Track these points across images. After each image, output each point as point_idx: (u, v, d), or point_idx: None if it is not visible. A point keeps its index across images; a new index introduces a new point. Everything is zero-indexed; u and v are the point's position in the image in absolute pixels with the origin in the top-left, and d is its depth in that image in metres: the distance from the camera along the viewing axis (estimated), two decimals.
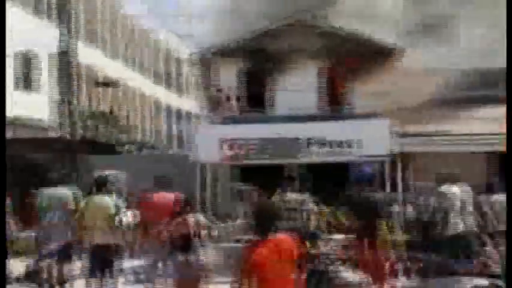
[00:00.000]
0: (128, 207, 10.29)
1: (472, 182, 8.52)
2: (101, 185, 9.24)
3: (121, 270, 9.65)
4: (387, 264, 6.78)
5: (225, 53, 19.25)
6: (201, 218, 8.03)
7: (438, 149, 15.30)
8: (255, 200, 14.68)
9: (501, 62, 15.75)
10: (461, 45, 17.06)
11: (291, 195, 8.54)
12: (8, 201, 9.37)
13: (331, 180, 14.12)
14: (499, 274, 6.78)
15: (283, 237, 4.49)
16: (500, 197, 7.91)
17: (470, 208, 7.97)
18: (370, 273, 6.82)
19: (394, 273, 6.63)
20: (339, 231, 9.06)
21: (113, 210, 8.97)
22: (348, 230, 8.94)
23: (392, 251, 6.96)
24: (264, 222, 4.45)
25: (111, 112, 25.71)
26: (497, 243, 7.95)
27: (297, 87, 17.00)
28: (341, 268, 6.14)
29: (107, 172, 11.12)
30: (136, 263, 10.85)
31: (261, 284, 4.38)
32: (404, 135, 15.57)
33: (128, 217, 9.03)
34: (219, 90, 18.53)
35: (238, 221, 13.02)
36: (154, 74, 30.72)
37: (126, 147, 24.53)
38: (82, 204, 9.09)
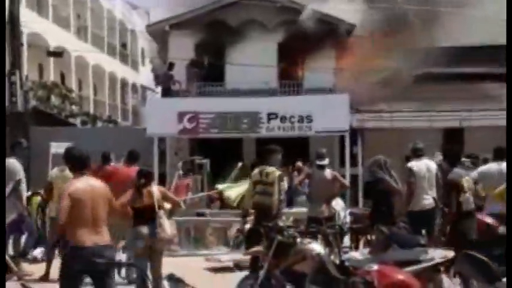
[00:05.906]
0: None
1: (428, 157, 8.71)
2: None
3: None
4: None
5: (182, 25, 18.90)
6: (167, 190, 8.00)
7: (392, 125, 15.57)
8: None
9: (462, 41, 16.14)
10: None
11: (270, 169, 7.92)
12: None
13: (293, 155, 14.15)
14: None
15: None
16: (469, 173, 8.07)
17: (434, 183, 8.13)
18: None
19: None
20: None
21: None
22: None
23: None
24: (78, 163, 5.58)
25: (62, 82, 25.01)
26: None
27: (257, 61, 16.89)
28: (308, 240, 6.17)
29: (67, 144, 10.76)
30: None
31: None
32: (358, 111, 15.74)
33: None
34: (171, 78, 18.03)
35: (199, 194, 12.94)
36: (109, 46, 30.00)
37: (79, 119, 23.96)
38: (52, 179, 8.81)
